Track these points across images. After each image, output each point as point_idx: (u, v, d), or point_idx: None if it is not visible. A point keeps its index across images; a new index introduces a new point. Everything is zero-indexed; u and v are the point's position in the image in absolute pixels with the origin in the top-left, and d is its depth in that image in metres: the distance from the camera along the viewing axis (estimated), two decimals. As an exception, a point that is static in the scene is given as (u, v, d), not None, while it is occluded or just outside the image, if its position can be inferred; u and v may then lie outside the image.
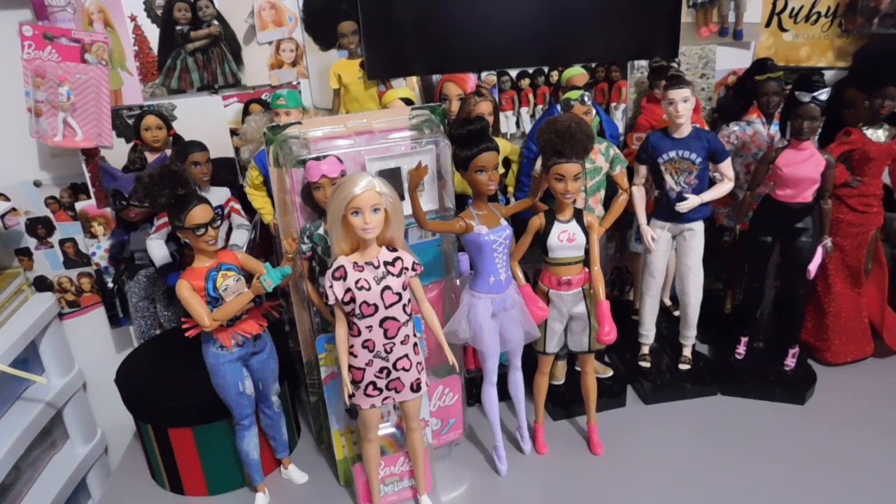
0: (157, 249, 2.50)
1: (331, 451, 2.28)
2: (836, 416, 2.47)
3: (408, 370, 1.93)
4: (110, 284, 2.88)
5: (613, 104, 2.98)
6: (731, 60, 3.09)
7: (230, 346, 2.01)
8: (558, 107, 2.53)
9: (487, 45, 2.78)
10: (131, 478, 2.42)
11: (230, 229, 2.62)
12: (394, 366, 1.90)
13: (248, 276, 2.02)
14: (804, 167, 2.36)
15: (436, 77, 2.81)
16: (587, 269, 2.15)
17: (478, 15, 2.74)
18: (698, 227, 2.47)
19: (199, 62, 2.69)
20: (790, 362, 2.65)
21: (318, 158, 1.97)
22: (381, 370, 1.89)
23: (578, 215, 2.12)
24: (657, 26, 2.87)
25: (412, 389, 1.96)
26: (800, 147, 2.36)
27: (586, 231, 2.12)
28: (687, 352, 2.70)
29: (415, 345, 1.93)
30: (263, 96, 2.78)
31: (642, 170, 2.48)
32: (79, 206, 2.79)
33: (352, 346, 1.88)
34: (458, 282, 2.28)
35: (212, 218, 1.89)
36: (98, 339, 3.04)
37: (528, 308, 2.14)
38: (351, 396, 1.93)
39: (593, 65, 2.90)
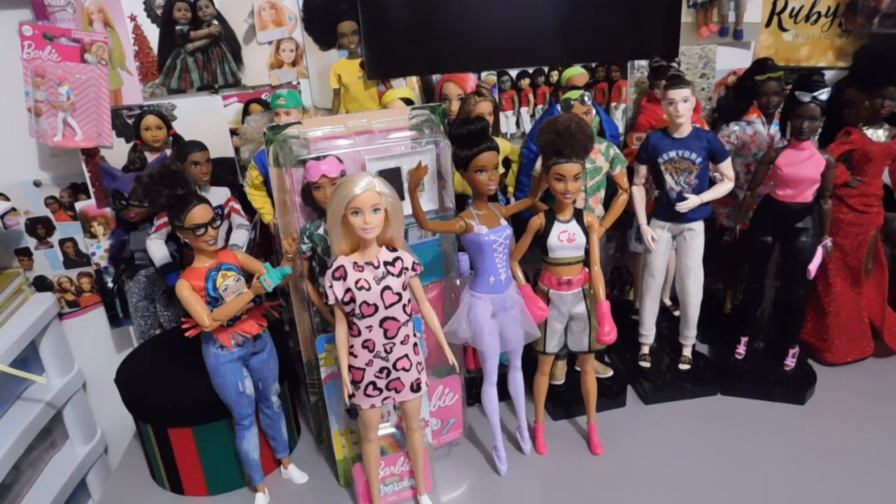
0: (157, 249, 2.49)
1: (331, 451, 2.28)
2: (836, 416, 2.47)
3: (408, 370, 1.92)
4: (110, 284, 2.88)
5: (613, 104, 2.98)
6: (731, 60, 3.09)
7: (230, 346, 2.01)
8: (558, 107, 2.53)
9: (487, 45, 2.78)
10: (131, 478, 2.42)
11: (230, 229, 2.62)
12: (394, 366, 1.90)
13: (248, 276, 2.02)
14: (804, 167, 2.36)
15: (436, 77, 2.81)
16: (587, 269, 2.15)
17: (478, 15, 2.74)
18: (698, 227, 2.47)
19: (199, 62, 2.69)
20: (790, 362, 2.65)
21: (318, 158, 1.97)
22: (381, 370, 1.89)
23: (578, 215, 2.12)
24: (657, 26, 2.87)
25: (412, 389, 1.96)
26: (800, 147, 2.36)
27: (586, 231, 2.12)
28: (687, 352, 2.70)
29: (415, 345, 1.93)
30: (263, 96, 2.78)
31: (642, 170, 2.48)
32: (79, 206, 2.79)
33: (352, 346, 1.88)
34: (458, 282, 2.28)
35: (212, 218, 1.89)
36: (98, 339, 3.04)
37: (528, 308, 2.14)
38: (351, 396, 1.93)
39: (593, 65, 2.90)
